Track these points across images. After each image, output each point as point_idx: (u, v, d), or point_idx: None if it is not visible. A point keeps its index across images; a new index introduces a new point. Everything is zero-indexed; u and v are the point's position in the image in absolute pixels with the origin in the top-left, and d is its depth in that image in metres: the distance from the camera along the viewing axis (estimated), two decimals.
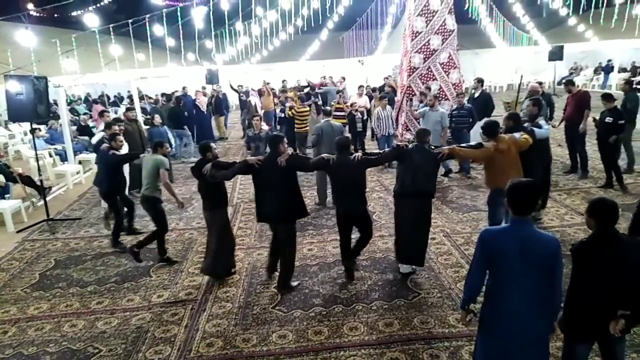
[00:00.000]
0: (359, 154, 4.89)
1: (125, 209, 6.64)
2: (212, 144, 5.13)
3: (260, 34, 20.26)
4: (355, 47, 28.64)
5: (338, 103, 10.97)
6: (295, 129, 10.36)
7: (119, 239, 6.33)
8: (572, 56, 22.05)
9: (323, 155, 5.04)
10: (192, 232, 6.72)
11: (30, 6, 30.28)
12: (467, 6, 21.48)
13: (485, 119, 6.73)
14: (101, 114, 9.09)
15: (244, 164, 4.78)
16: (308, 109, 10.67)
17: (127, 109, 9.57)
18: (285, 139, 4.94)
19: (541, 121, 5.95)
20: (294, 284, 4.95)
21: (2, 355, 4.07)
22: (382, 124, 9.25)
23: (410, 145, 4.96)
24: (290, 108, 10.62)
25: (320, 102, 13.24)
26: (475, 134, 8.80)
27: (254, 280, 5.15)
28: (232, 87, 15.01)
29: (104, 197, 6.53)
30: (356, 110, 10.43)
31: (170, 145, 9.51)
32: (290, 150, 5.35)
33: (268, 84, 14.35)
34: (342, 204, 4.98)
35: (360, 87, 12.39)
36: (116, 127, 7.21)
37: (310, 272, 5.24)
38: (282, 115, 11.10)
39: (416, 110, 9.19)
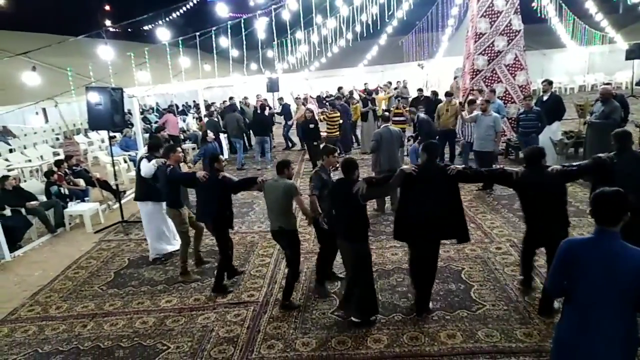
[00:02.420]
0: (557, 166, 4.20)
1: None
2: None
3: (320, 42, 20.52)
4: (414, 50, 28.22)
5: (397, 108, 10.88)
6: (327, 134, 10.83)
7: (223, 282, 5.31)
8: None
9: (505, 167, 4.43)
10: (253, 236, 6.90)
11: (107, 23, 32.69)
12: (534, 5, 20.49)
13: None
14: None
15: (401, 174, 4.15)
16: (338, 114, 11.04)
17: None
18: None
19: None
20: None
21: (82, 347, 4.39)
22: (466, 130, 9.04)
23: (612, 155, 4.19)
24: (322, 113, 11.13)
25: (376, 109, 13.23)
26: (545, 139, 8.38)
27: (313, 284, 5.18)
28: (292, 97, 15.39)
29: (214, 230, 5.25)
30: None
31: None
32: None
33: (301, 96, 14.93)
34: (535, 224, 4.27)
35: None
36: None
37: None
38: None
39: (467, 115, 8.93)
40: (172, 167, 5.58)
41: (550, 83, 9.03)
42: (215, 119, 12.14)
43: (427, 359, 3.80)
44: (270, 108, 14.82)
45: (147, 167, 5.88)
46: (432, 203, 4.07)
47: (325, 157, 4.83)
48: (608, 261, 2.32)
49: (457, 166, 4.19)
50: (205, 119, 12.29)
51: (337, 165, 4.86)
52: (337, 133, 10.99)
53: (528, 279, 4.67)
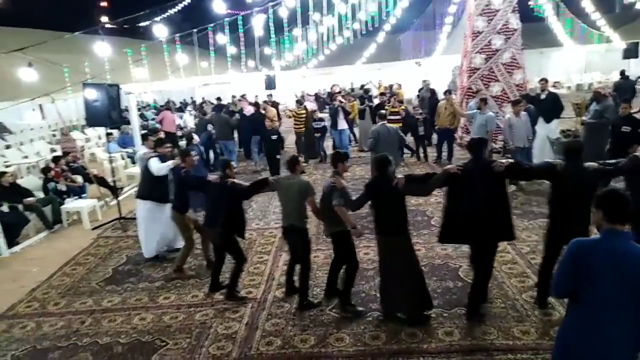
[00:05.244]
0: (594, 164, 4.05)
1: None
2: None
3: (318, 39, 20.48)
4: (412, 49, 28.24)
5: (393, 107, 10.91)
6: (294, 130, 11.56)
7: (236, 288, 5.09)
8: None
9: (550, 160, 4.32)
10: (251, 233, 6.89)
11: (104, 19, 32.50)
12: (532, 4, 20.53)
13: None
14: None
15: (445, 174, 4.11)
16: (305, 111, 11.56)
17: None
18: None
19: None
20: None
21: (81, 343, 4.39)
22: (517, 133, 7.65)
23: None
24: (291, 110, 11.75)
25: (374, 106, 13.23)
26: (543, 137, 8.39)
27: (311, 282, 5.18)
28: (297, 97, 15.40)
29: (223, 240, 5.00)
30: (420, 114, 10.33)
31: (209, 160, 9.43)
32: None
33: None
34: (563, 220, 4.06)
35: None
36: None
37: (367, 277, 5.21)
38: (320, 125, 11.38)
39: (466, 111, 9.00)
40: (186, 170, 5.45)
41: (546, 81, 9.07)
42: (208, 120, 11.74)
43: (425, 356, 3.82)
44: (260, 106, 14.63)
45: (163, 167, 5.75)
46: (481, 202, 3.97)
47: (339, 164, 4.57)
48: (619, 262, 2.27)
49: (503, 161, 4.06)
50: (196, 120, 11.85)
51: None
52: (303, 129, 11.42)
53: (544, 293, 4.32)
